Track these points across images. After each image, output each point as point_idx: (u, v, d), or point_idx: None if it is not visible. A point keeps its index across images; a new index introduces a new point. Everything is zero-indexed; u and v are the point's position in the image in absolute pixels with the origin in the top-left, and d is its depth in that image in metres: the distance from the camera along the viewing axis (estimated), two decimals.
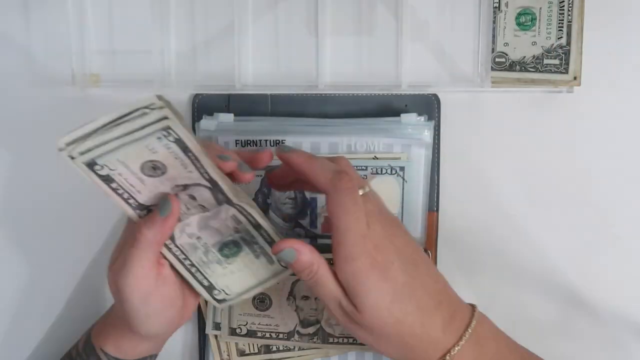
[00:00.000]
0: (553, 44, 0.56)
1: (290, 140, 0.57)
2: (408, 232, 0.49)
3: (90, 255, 0.61)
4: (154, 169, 0.44)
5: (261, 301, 0.58)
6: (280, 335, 0.58)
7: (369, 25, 0.58)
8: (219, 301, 0.51)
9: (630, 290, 0.59)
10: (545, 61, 0.56)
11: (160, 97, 0.41)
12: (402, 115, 0.57)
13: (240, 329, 0.58)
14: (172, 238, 0.48)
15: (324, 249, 0.58)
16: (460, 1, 0.58)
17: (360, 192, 0.47)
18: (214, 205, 0.47)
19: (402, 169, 0.57)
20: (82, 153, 0.43)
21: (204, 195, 0.46)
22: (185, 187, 0.46)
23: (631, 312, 0.60)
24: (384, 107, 0.58)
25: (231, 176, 0.48)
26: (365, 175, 0.57)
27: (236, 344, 0.59)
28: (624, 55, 0.58)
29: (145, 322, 0.49)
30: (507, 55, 0.56)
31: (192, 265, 0.49)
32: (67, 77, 0.59)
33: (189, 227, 0.48)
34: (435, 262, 0.59)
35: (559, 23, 0.56)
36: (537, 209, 0.59)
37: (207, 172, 0.44)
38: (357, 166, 0.57)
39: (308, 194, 0.58)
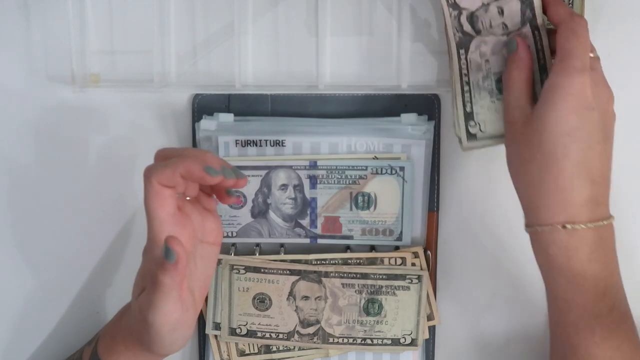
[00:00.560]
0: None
1: (290, 140, 0.57)
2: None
3: (93, 259, 0.61)
4: None
5: (261, 301, 0.58)
6: (280, 335, 0.58)
7: (369, 25, 0.58)
8: (469, 136, 0.52)
9: (630, 290, 0.59)
10: None
11: None
12: (402, 115, 0.57)
13: (240, 329, 0.58)
14: (465, 49, 0.51)
15: (324, 249, 0.59)
16: None
17: (596, 56, 0.50)
18: (516, 25, 0.50)
19: (402, 169, 0.57)
20: None
21: (513, 8, 0.50)
22: None
23: (631, 312, 0.60)
24: (384, 107, 0.58)
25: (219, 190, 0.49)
26: (365, 175, 0.57)
27: (236, 344, 0.59)
28: (624, 55, 0.58)
29: (170, 346, 0.49)
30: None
31: (468, 83, 0.51)
32: (67, 77, 0.59)
33: (484, 46, 0.51)
34: (435, 262, 0.59)
35: None
36: None
37: None
38: (357, 166, 0.57)
39: (308, 194, 0.58)
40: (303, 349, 0.59)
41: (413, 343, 0.58)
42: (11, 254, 0.61)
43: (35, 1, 0.60)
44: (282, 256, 0.58)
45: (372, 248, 0.59)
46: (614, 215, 0.59)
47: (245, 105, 0.59)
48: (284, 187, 0.58)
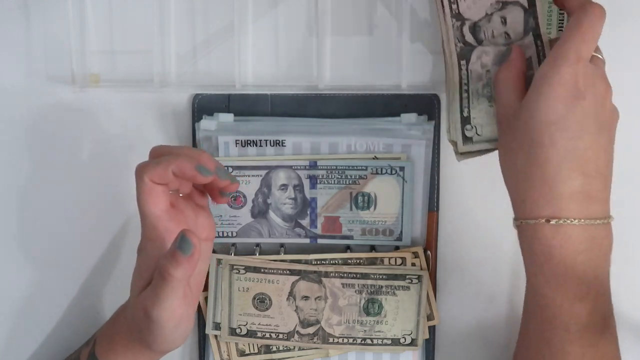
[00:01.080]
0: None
1: (290, 140, 0.57)
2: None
3: (92, 259, 0.61)
4: None
5: (261, 301, 0.58)
6: (280, 336, 0.58)
7: (369, 25, 0.58)
8: (465, 139, 0.52)
9: (630, 290, 0.59)
10: None
11: None
12: (402, 115, 0.57)
13: (240, 329, 0.58)
14: (467, 60, 0.51)
15: (324, 249, 0.59)
16: None
17: (599, 56, 0.48)
18: (519, 35, 0.50)
19: (402, 169, 0.57)
20: None
21: (516, 17, 0.49)
22: (503, 4, 0.49)
23: (631, 312, 0.60)
24: (384, 107, 0.58)
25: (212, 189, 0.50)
26: (365, 175, 0.57)
27: (236, 344, 0.59)
28: (624, 56, 0.58)
29: (172, 342, 0.49)
30: None
31: (467, 91, 0.51)
32: (67, 77, 0.59)
33: (485, 56, 0.51)
34: (435, 262, 0.59)
35: (559, 23, 0.55)
36: None
37: None
38: (357, 166, 0.57)
39: (308, 194, 0.58)
40: (303, 349, 0.59)
41: (413, 343, 0.58)
42: (10, 254, 0.61)
43: (35, 1, 0.60)
44: (282, 256, 0.58)
45: (372, 248, 0.59)
46: (614, 214, 0.59)
47: (245, 105, 0.59)
48: (284, 187, 0.58)
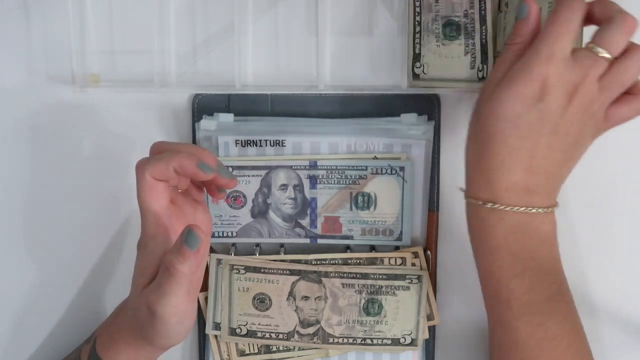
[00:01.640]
0: None
1: (290, 140, 0.57)
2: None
3: (92, 258, 0.61)
4: None
5: (261, 301, 0.58)
6: (280, 336, 0.58)
7: (369, 25, 0.58)
8: (414, 76, 0.54)
9: (630, 291, 0.59)
10: None
11: None
12: (402, 115, 0.57)
13: (240, 329, 0.58)
14: None
15: (324, 249, 0.59)
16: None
17: (603, 55, 0.47)
18: None
19: (402, 169, 0.57)
20: None
21: None
22: None
23: (631, 312, 0.60)
24: (384, 107, 0.58)
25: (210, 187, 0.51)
26: (365, 175, 0.57)
27: (236, 344, 0.59)
28: None
29: (174, 337, 0.49)
30: None
31: (419, 24, 0.53)
32: (67, 77, 0.59)
33: None
34: (435, 262, 0.59)
35: None
36: None
37: None
38: (357, 166, 0.57)
39: (308, 194, 0.58)
40: (303, 349, 0.59)
41: (413, 343, 0.58)
42: (10, 254, 0.61)
43: (35, 1, 0.60)
44: (282, 256, 0.58)
45: (372, 248, 0.59)
46: (614, 214, 0.59)
47: (245, 105, 0.59)
48: (284, 187, 0.58)
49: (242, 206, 0.58)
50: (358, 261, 0.58)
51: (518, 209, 0.49)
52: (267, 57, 0.59)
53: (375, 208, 0.58)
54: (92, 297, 0.61)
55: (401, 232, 0.58)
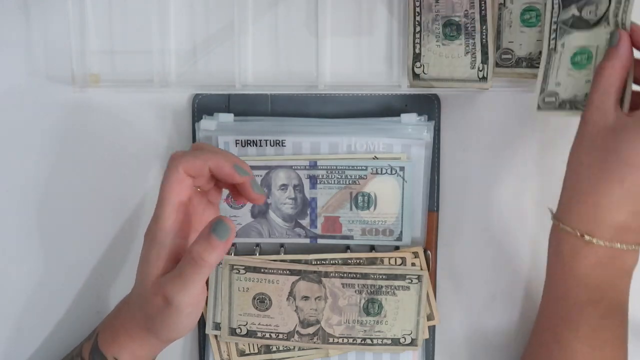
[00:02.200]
0: None
1: (290, 140, 0.57)
2: None
3: (93, 258, 0.61)
4: None
5: (261, 301, 0.58)
6: (280, 336, 0.58)
7: (369, 25, 0.58)
8: (414, 76, 0.54)
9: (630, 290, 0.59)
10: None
11: None
12: (402, 115, 0.57)
13: (240, 329, 0.58)
14: None
15: (324, 249, 0.59)
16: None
17: None
18: None
19: (402, 169, 0.57)
20: None
21: None
22: None
23: (631, 312, 0.60)
24: (384, 107, 0.58)
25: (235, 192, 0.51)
26: (365, 175, 0.57)
27: (236, 344, 0.59)
28: None
29: (183, 330, 0.50)
30: (513, 51, 0.56)
31: (419, 24, 0.54)
32: (67, 77, 0.59)
33: None
34: (435, 262, 0.59)
35: None
36: (537, 209, 0.59)
37: None
38: (357, 166, 0.57)
39: (308, 194, 0.58)
40: (303, 349, 0.59)
41: (413, 343, 0.58)
42: (11, 254, 0.61)
43: (35, 1, 0.60)
44: (282, 256, 0.58)
45: (372, 248, 0.59)
46: None
47: (245, 105, 0.59)
48: (284, 187, 0.58)
49: (242, 206, 0.58)
50: (358, 261, 0.58)
51: (613, 244, 0.48)
52: (267, 57, 0.59)
53: (375, 208, 0.58)
54: (94, 296, 0.61)
55: (401, 232, 0.58)
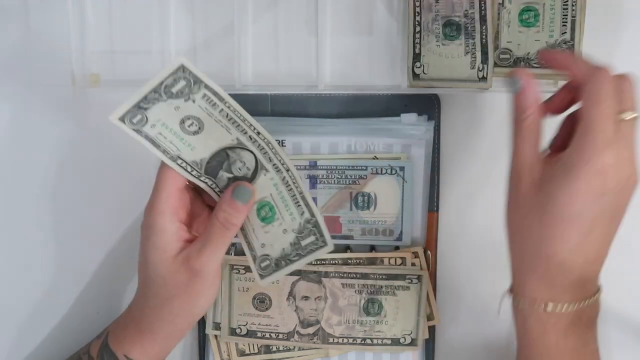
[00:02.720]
0: (557, 40, 0.56)
1: (290, 140, 0.57)
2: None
3: (93, 259, 0.61)
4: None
5: (261, 301, 0.58)
6: (280, 336, 0.58)
7: (369, 25, 0.58)
8: (414, 76, 0.56)
9: (630, 290, 0.59)
10: None
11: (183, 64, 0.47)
12: (402, 115, 0.57)
13: (240, 329, 0.58)
14: None
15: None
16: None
17: (627, 116, 0.44)
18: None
19: (402, 169, 0.57)
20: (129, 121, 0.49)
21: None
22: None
23: (631, 312, 0.60)
24: (384, 107, 0.58)
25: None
26: (365, 175, 0.57)
27: (236, 344, 0.59)
28: (624, 54, 0.58)
29: (204, 304, 0.51)
30: (511, 51, 0.56)
31: (419, 24, 0.55)
32: (67, 77, 0.59)
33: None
34: (435, 262, 0.59)
35: (563, 18, 0.55)
36: None
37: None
38: (357, 166, 0.57)
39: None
40: (303, 349, 0.59)
41: (413, 343, 0.58)
42: (11, 254, 0.61)
43: (35, 1, 0.60)
44: None
45: (372, 248, 0.59)
46: None
47: (245, 105, 0.58)
48: None
49: None
50: (358, 261, 0.58)
51: (576, 304, 0.46)
52: (267, 57, 0.59)
53: (375, 208, 0.58)
54: (93, 299, 0.61)
55: (401, 232, 0.58)
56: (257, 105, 0.58)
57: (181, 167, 0.50)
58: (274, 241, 0.52)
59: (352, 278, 0.58)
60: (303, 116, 0.58)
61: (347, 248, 0.59)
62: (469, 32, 0.56)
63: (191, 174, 0.50)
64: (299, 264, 0.52)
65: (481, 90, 0.57)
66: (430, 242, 0.59)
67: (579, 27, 0.55)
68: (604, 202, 0.44)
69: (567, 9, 0.55)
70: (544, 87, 0.57)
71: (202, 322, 0.59)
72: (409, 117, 0.57)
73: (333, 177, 0.58)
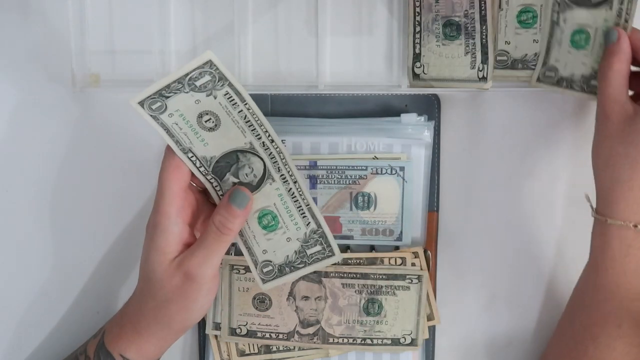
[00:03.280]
0: None
1: (290, 140, 0.57)
2: None
3: (93, 259, 0.61)
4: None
5: (261, 301, 0.58)
6: (280, 336, 0.58)
7: (369, 25, 0.58)
8: (414, 76, 0.56)
9: None
10: None
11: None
12: (402, 115, 0.57)
13: (240, 329, 0.58)
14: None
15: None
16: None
17: None
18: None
19: (402, 169, 0.57)
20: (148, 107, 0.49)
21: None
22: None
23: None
24: (384, 107, 0.58)
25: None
26: (365, 175, 0.57)
27: (236, 344, 0.59)
28: None
29: (200, 309, 0.51)
30: (508, 53, 0.56)
31: (419, 24, 0.55)
32: (67, 77, 0.59)
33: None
34: (435, 262, 0.59)
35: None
36: (538, 209, 0.59)
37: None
38: (357, 166, 0.57)
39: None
40: (303, 349, 0.59)
41: (413, 343, 0.58)
42: (11, 254, 0.61)
43: (35, 1, 0.60)
44: None
45: (372, 248, 0.59)
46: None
47: None
48: None
49: None
50: (358, 261, 0.58)
51: None
52: (267, 57, 0.59)
53: (375, 208, 0.58)
54: (94, 297, 0.61)
55: (401, 232, 0.58)
56: (257, 105, 0.58)
57: (190, 160, 0.50)
58: (277, 248, 0.53)
59: (352, 278, 0.58)
60: (303, 116, 0.58)
61: (347, 248, 0.59)
62: (469, 32, 0.56)
63: (199, 170, 0.50)
64: (304, 272, 0.52)
65: (481, 90, 0.57)
66: (430, 242, 0.59)
67: None
68: None
69: None
70: (545, 88, 0.57)
71: (202, 322, 0.59)
72: (409, 117, 0.57)
73: (333, 177, 0.58)
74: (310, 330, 0.58)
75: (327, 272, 0.58)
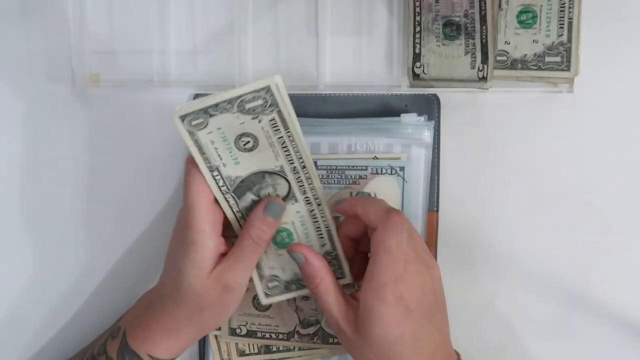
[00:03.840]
0: (554, 42, 0.56)
1: None
2: (438, 272, 0.51)
3: (94, 259, 0.61)
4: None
5: None
6: (280, 336, 0.58)
7: (369, 25, 0.58)
8: (414, 76, 0.56)
9: (630, 290, 0.59)
10: (547, 59, 0.56)
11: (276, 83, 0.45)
12: (402, 115, 0.57)
13: (240, 329, 0.58)
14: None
15: None
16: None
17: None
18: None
19: (402, 169, 0.57)
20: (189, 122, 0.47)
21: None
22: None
23: (631, 312, 0.60)
24: (384, 107, 0.58)
25: None
26: (365, 175, 0.57)
27: (236, 344, 0.59)
28: (623, 55, 0.58)
29: (231, 312, 0.52)
30: (508, 53, 0.56)
31: (419, 24, 0.55)
32: (67, 77, 0.59)
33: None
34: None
35: (560, 20, 0.56)
36: (537, 209, 0.59)
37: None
38: (357, 166, 0.57)
39: None
40: (303, 349, 0.59)
41: None
42: (11, 254, 0.61)
43: (35, 1, 0.60)
44: None
45: None
46: (615, 214, 0.59)
47: None
48: None
49: None
50: None
51: None
52: (267, 57, 0.59)
53: None
54: (94, 299, 0.61)
55: None
56: None
57: (214, 179, 0.49)
58: (287, 265, 0.53)
59: None
60: (303, 116, 0.58)
61: None
62: (469, 32, 0.56)
63: (220, 188, 0.50)
64: (307, 291, 0.53)
65: (481, 90, 0.57)
66: (430, 242, 0.59)
67: (576, 29, 0.55)
68: (415, 316, 0.48)
69: (564, 10, 0.55)
70: (545, 88, 0.57)
71: None
72: (409, 117, 0.57)
73: (333, 177, 0.58)
74: (310, 330, 0.58)
75: None
